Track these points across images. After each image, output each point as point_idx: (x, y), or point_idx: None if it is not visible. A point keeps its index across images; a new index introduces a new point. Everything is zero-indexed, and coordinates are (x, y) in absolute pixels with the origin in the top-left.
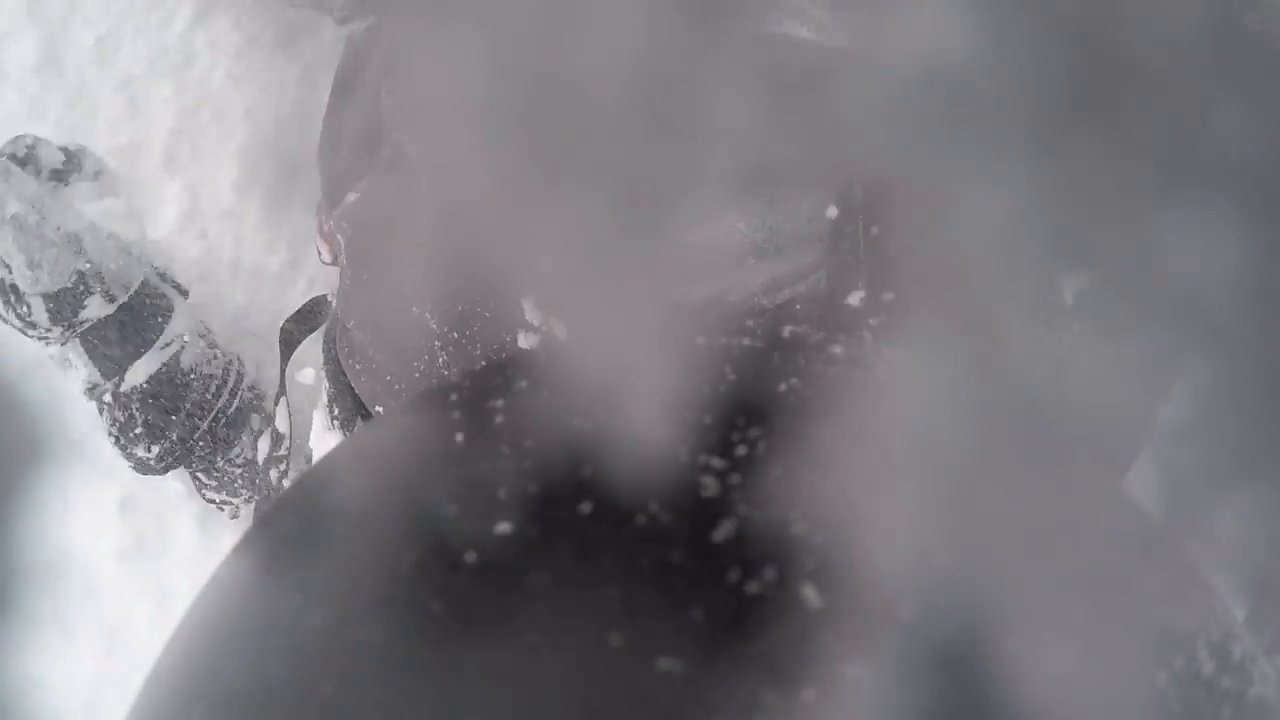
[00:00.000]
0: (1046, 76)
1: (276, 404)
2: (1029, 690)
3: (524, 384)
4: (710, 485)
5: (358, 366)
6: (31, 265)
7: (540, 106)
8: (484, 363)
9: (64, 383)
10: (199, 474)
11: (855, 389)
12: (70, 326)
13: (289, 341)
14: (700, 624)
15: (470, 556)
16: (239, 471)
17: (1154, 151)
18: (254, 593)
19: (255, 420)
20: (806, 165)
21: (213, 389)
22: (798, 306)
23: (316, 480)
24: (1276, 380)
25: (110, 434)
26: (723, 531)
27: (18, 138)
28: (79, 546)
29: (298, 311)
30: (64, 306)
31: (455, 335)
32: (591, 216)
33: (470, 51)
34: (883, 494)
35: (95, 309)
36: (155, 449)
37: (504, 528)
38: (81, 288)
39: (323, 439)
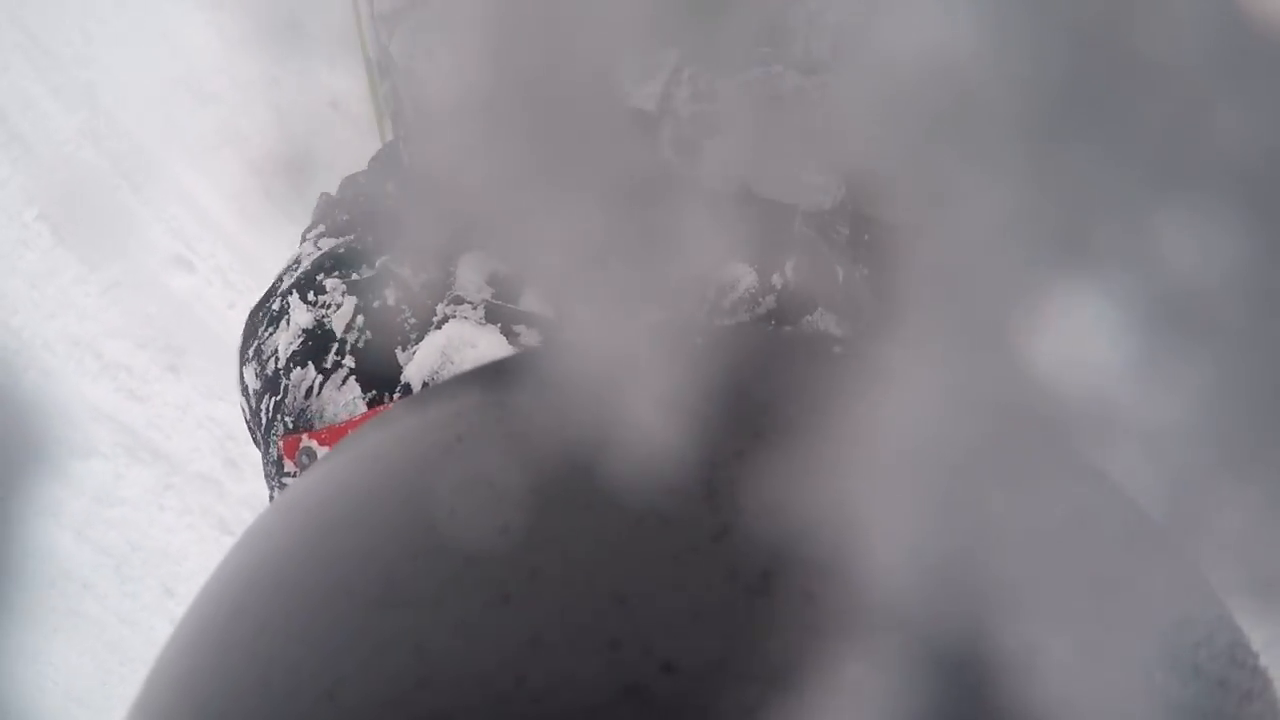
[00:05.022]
0: (1046, 76)
1: None
2: (1029, 690)
3: (524, 384)
4: (711, 483)
5: None
6: None
7: (544, 113)
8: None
9: (64, 383)
10: None
11: (855, 388)
12: None
13: None
14: (700, 623)
15: (470, 556)
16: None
17: (1154, 151)
18: (252, 592)
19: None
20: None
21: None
22: (794, 304)
23: (315, 480)
24: (1276, 380)
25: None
26: (723, 530)
27: None
28: (78, 546)
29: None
30: None
31: None
32: (594, 219)
33: (478, 57)
34: (883, 493)
35: None
36: None
37: (504, 527)
38: None
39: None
